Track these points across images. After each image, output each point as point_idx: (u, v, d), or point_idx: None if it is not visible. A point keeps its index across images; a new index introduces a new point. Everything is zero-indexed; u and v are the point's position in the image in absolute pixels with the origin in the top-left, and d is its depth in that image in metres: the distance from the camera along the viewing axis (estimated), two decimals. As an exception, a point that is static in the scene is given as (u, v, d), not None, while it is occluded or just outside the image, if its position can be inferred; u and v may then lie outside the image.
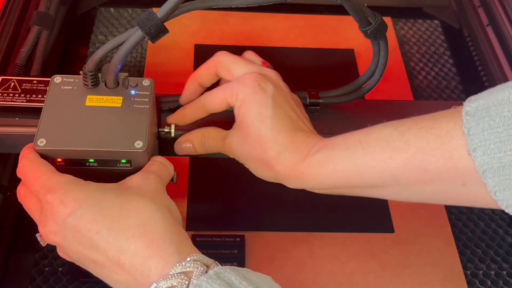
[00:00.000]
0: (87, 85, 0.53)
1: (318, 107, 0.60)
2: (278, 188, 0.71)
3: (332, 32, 0.88)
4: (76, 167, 0.50)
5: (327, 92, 0.60)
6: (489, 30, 0.83)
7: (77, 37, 0.86)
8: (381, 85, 0.59)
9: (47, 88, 0.53)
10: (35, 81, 0.57)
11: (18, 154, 0.66)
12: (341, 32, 0.88)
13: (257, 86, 0.52)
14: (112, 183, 0.47)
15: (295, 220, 0.68)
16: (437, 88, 0.83)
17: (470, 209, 0.71)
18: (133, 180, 0.48)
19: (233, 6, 0.50)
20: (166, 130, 0.56)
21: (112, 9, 0.89)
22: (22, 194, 0.49)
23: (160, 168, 0.50)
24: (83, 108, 0.51)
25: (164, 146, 0.57)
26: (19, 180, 0.67)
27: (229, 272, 0.40)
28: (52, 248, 0.64)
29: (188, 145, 0.56)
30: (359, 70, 0.83)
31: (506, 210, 0.44)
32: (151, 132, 0.52)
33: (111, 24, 0.87)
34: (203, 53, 0.83)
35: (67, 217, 0.44)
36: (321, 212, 0.68)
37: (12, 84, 0.57)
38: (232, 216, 0.68)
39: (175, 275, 0.41)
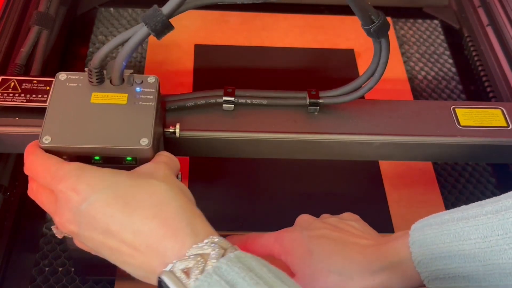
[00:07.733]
0: (92, 82, 0.52)
1: (318, 107, 0.60)
2: (278, 188, 0.71)
3: (332, 32, 0.88)
4: None
5: (327, 92, 0.60)
6: (489, 30, 0.83)
7: (77, 37, 0.86)
8: (381, 85, 0.59)
9: (51, 85, 0.53)
10: (35, 81, 0.57)
11: (18, 154, 0.67)
12: (341, 32, 0.88)
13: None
14: None
15: (295, 220, 0.68)
16: (437, 88, 0.83)
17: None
18: (144, 167, 0.48)
19: (238, 3, 0.49)
20: (171, 130, 0.56)
21: (112, 9, 0.89)
22: (34, 189, 0.48)
23: (168, 159, 0.50)
24: (88, 105, 0.51)
25: (169, 146, 0.57)
26: (19, 180, 0.68)
27: (250, 257, 0.40)
28: (52, 248, 0.64)
29: None
30: (359, 70, 0.83)
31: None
32: (157, 129, 0.52)
33: (111, 24, 0.87)
34: (203, 53, 0.83)
35: (81, 203, 0.44)
36: (321, 212, 0.68)
37: (12, 84, 0.57)
38: (232, 216, 0.68)
39: (192, 256, 0.40)
